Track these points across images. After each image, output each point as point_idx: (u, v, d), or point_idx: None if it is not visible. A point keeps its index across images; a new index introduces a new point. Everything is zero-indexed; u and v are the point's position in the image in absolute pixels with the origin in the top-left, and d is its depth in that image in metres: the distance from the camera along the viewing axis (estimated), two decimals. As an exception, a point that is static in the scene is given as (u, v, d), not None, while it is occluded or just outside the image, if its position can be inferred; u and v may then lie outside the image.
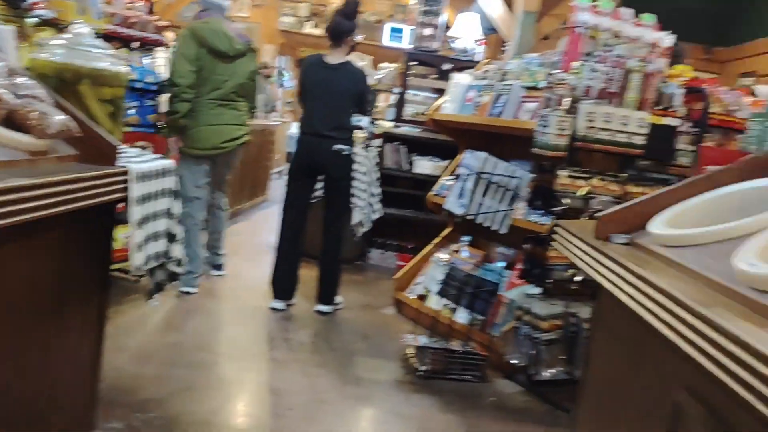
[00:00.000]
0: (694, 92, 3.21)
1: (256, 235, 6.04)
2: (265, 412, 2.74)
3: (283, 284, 4.00)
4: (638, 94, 2.96)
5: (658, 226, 1.59)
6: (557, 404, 3.05)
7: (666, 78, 3.12)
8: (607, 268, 1.53)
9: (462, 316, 3.63)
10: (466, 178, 3.28)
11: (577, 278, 3.06)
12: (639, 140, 3.04)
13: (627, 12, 3.20)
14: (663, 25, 3.29)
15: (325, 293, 4.03)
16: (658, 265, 1.43)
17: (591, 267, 1.65)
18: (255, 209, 7.18)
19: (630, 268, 1.38)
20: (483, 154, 3.29)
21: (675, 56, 3.51)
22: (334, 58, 3.89)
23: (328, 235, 4.02)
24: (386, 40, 8.38)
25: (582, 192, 3.02)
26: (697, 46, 8.52)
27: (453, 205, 3.36)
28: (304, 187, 4.01)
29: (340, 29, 3.86)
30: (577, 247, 1.81)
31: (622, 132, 3.01)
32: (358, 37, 3.99)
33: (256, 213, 7.08)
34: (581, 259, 1.75)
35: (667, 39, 3.24)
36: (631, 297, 1.36)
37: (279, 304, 3.97)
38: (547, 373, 3.08)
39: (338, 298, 4.11)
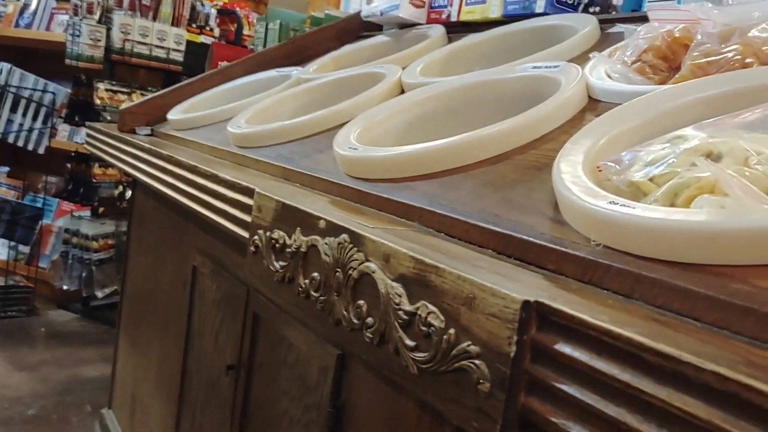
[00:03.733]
0: (227, 14, 3.41)
1: None
2: None
3: None
4: (172, 9, 3.02)
5: (175, 114, 1.68)
6: (113, 323, 3.03)
7: (200, -3, 3.24)
8: (129, 154, 1.57)
9: (2, 252, 3.29)
10: (-10, 93, 2.92)
11: (127, 194, 3.04)
12: (178, 56, 3.12)
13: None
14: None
15: None
16: (173, 145, 1.52)
17: (117, 158, 1.67)
18: None
19: (145, 147, 1.44)
20: (6, 65, 2.96)
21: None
22: None
23: None
24: None
25: (123, 106, 2.97)
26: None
27: (-24, 124, 2.97)
28: None
29: None
30: (105, 143, 1.80)
31: (160, 47, 3.04)
32: None
33: None
34: (109, 153, 1.75)
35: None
36: (148, 174, 1.42)
37: None
38: (100, 293, 3.03)
39: None
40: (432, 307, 0.53)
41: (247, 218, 0.91)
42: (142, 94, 3.06)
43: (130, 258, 2.07)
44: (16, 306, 2.99)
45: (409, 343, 0.55)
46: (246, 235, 0.92)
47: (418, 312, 0.54)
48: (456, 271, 0.51)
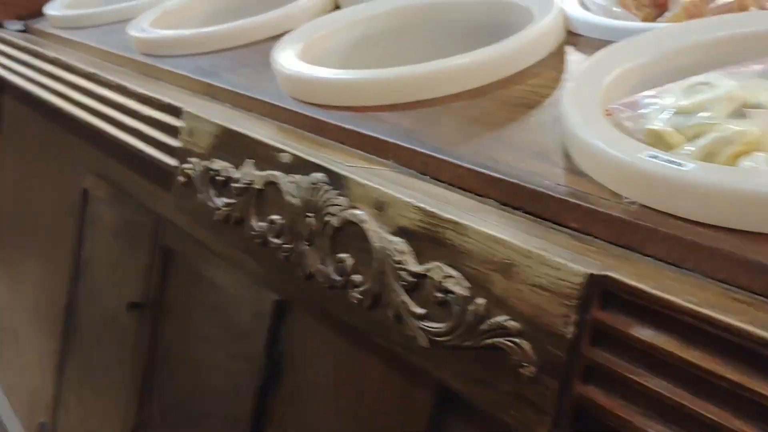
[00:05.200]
0: None
1: None
2: None
3: None
4: None
5: (55, 8, 1.44)
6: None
7: None
8: (4, 54, 1.33)
9: None
10: None
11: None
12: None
13: None
14: None
15: None
16: (55, 46, 1.30)
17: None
18: None
19: (16, 44, 1.22)
20: None
21: None
22: None
23: None
24: None
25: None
26: None
27: None
28: None
29: None
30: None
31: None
32: None
33: None
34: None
35: None
36: (30, 80, 1.21)
37: None
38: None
39: None
40: (450, 270, 0.45)
41: (170, 140, 0.78)
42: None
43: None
44: None
45: (418, 310, 0.47)
46: (166, 159, 0.79)
47: (429, 274, 0.46)
48: (485, 230, 0.43)
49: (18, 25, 1.47)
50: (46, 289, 1.46)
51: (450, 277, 0.44)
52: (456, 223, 0.45)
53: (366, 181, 0.51)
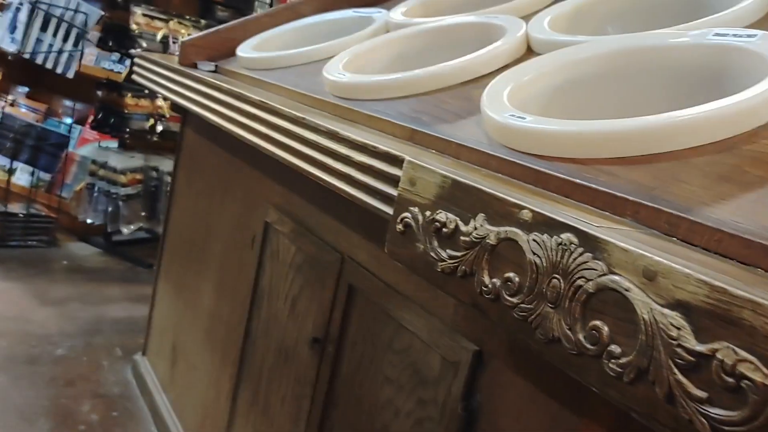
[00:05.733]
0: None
1: None
2: None
3: None
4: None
5: (246, 50, 1.53)
6: (138, 261, 2.92)
7: None
8: (195, 90, 1.42)
9: (23, 178, 3.16)
10: (19, 8, 2.73)
11: (159, 128, 2.89)
12: (219, -16, 2.92)
13: None
14: None
15: None
16: (246, 86, 1.37)
17: (177, 93, 1.52)
18: None
19: (219, 86, 1.30)
20: (39, -20, 2.77)
21: None
22: None
23: None
24: None
25: (160, 34, 2.80)
26: None
27: (3, 40, 2.79)
28: None
29: None
30: (162, 76, 1.65)
31: (202, -27, 2.85)
32: None
33: None
34: (166, 87, 1.60)
35: None
36: (221, 115, 1.28)
37: None
38: (126, 230, 2.91)
39: None
40: (744, 354, 0.41)
41: (384, 188, 0.79)
42: (180, 23, 2.88)
43: (176, 198, 1.94)
44: (37, 236, 2.87)
45: (698, 393, 0.43)
46: (379, 205, 0.80)
47: (717, 355, 0.42)
48: (796, 314, 0.39)
49: (210, 65, 1.58)
50: (223, 315, 1.53)
51: (746, 361, 0.41)
52: (756, 303, 0.41)
53: (632, 247, 0.48)
